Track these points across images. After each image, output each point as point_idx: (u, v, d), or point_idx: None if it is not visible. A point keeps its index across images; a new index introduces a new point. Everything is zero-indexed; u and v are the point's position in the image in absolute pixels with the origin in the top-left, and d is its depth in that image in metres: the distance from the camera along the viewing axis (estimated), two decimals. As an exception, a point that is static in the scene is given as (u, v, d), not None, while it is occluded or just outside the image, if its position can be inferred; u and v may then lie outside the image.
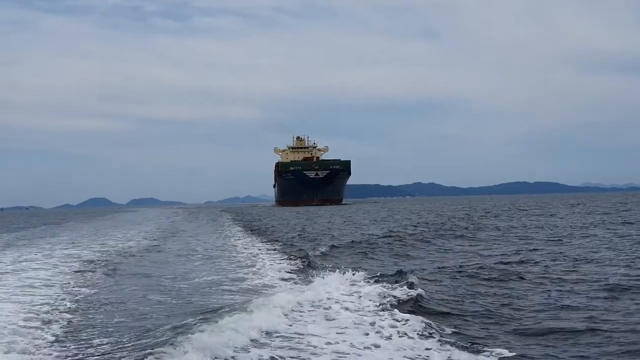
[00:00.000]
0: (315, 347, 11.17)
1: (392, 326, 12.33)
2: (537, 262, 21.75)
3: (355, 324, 12.68)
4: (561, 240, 30.41)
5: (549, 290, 16.45)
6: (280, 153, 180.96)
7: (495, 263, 21.76)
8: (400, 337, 11.63)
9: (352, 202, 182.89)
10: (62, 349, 11.92)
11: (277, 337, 11.93)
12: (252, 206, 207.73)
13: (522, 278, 18.49)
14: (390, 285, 16.22)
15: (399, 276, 17.73)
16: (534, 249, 26.24)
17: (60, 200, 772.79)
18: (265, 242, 35.61)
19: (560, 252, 24.38)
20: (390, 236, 35.57)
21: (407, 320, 12.65)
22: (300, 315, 13.59)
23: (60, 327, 13.72)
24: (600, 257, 22.59)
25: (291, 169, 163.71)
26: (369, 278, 17.55)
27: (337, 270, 18.63)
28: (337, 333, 11.98)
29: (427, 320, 12.59)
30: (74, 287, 19.93)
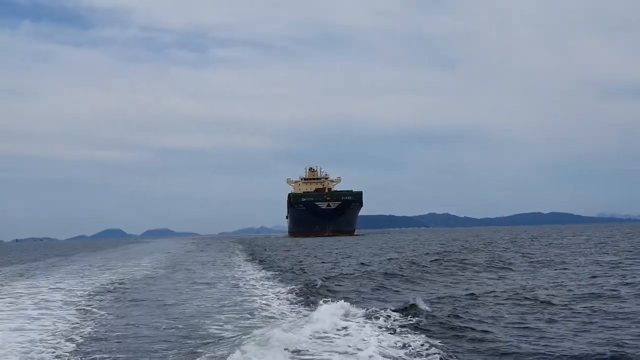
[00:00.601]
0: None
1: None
2: (493, 293, 23.39)
3: (354, 350, 13.30)
4: (536, 268, 32.91)
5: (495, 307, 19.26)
6: (293, 184, 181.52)
7: (463, 290, 24.11)
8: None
9: (364, 233, 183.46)
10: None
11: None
12: (264, 237, 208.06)
13: (479, 299, 21.03)
14: (384, 311, 17.49)
15: (397, 303, 19.38)
16: (503, 277, 28.85)
17: (75, 231, 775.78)
18: (269, 271, 36.89)
19: (527, 279, 27.07)
20: (389, 265, 37.34)
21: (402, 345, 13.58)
22: (303, 345, 13.79)
23: (69, 349, 15.25)
24: (555, 283, 25.20)
25: (303, 200, 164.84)
26: (366, 306, 18.58)
27: (335, 299, 19.62)
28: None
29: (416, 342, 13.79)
30: (83, 312, 21.65)
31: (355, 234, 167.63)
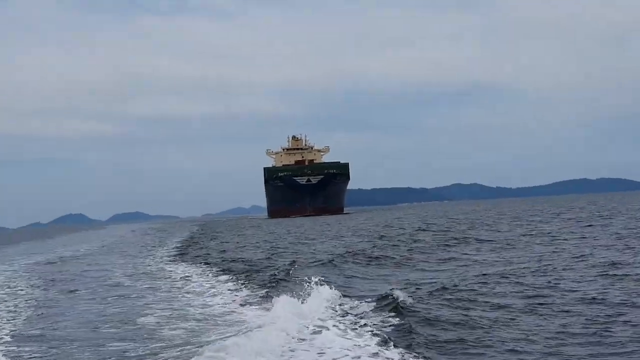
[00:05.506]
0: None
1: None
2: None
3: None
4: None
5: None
6: (274, 156, 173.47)
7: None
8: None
9: (357, 211, 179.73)
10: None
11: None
12: (240, 218, 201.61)
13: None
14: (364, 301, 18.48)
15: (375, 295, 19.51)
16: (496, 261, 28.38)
17: (29, 218, 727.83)
18: (226, 261, 35.70)
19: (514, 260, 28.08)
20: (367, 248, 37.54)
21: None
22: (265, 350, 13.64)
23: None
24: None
25: (280, 174, 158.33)
26: (344, 296, 19.59)
27: (293, 292, 19.64)
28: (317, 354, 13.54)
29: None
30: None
31: (344, 212, 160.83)
